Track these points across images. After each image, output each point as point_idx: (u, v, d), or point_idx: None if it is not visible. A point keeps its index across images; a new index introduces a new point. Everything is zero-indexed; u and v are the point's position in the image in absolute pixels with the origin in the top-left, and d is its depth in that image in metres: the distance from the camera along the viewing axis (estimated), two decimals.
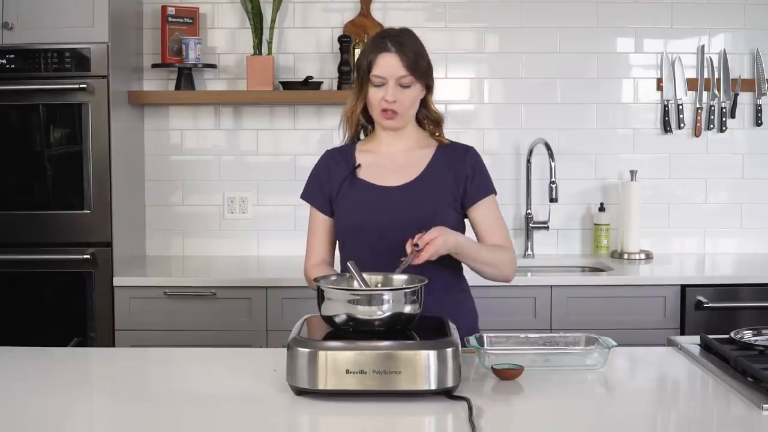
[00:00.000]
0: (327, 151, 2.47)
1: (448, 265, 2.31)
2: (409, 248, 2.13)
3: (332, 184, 2.38)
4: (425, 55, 2.33)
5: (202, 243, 3.92)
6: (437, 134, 2.42)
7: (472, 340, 2.07)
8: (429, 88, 2.35)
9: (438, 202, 2.32)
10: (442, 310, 2.12)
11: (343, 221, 2.35)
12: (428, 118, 2.41)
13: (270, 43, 3.77)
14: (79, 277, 3.39)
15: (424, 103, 2.38)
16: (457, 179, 2.34)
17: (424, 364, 1.80)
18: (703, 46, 3.89)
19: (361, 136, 2.46)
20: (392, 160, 2.37)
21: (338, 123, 2.45)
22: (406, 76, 2.27)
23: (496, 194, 2.40)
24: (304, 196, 2.45)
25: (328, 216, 2.40)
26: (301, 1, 3.86)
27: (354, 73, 2.63)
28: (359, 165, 2.37)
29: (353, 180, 2.36)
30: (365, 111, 2.37)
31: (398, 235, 2.19)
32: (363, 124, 2.42)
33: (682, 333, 3.25)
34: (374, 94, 2.30)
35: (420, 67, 2.29)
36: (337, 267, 2.39)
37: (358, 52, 3.72)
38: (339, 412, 1.79)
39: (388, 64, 2.27)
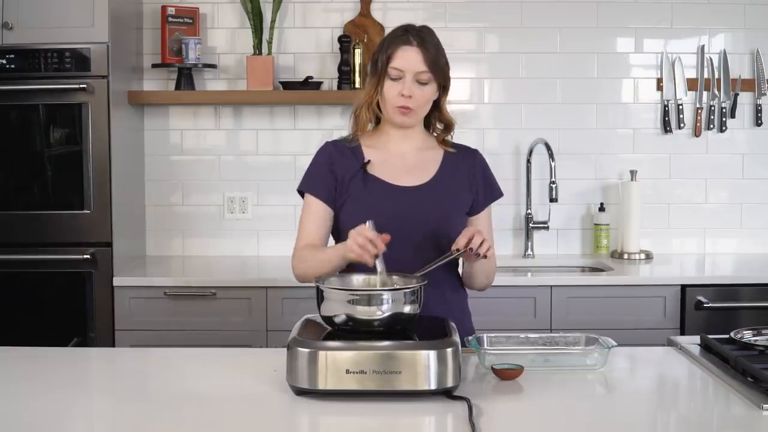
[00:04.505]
0: (327, 142, 2.38)
1: (452, 268, 2.31)
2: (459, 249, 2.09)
3: (338, 176, 2.28)
4: (444, 55, 2.27)
5: (202, 243, 3.92)
6: (443, 139, 2.36)
7: (472, 340, 2.07)
8: (444, 89, 2.29)
9: (452, 206, 2.30)
10: (447, 310, 2.13)
11: (358, 219, 2.15)
12: (440, 121, 2.35)
13: (270, 43, 3.76)
14: (79, 277, 3.38)
15: (437, 106, 2.32)
16: (469, 185, 2.33)
17: (424, 364, 1.80)
18: (703, 46, 3.88)
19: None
20: (403, 159, 2.31)
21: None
22: (425, 72, 2.21)
23: (502, 195, 2.40)
24: (305, 187, 2.31)
25: (329, 207, 2.29)
26: (301, 1, 3.86)
27: (367, 68, 2.54)
28: (369, 161, 2.29)
29: (365, 176, 2.27)
30: (376, 106, 2.29)
31: (413, 235, 2.18)
32: (377, 115, 2.31)
33: (682, 333, 3.25)
34: (390, 88, 2.22)
35: (439, 65, 2.23)
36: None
37: (358, 52, 3.73)
38: (339, 412, 1.79)
39: (409, 58, 2.20)
